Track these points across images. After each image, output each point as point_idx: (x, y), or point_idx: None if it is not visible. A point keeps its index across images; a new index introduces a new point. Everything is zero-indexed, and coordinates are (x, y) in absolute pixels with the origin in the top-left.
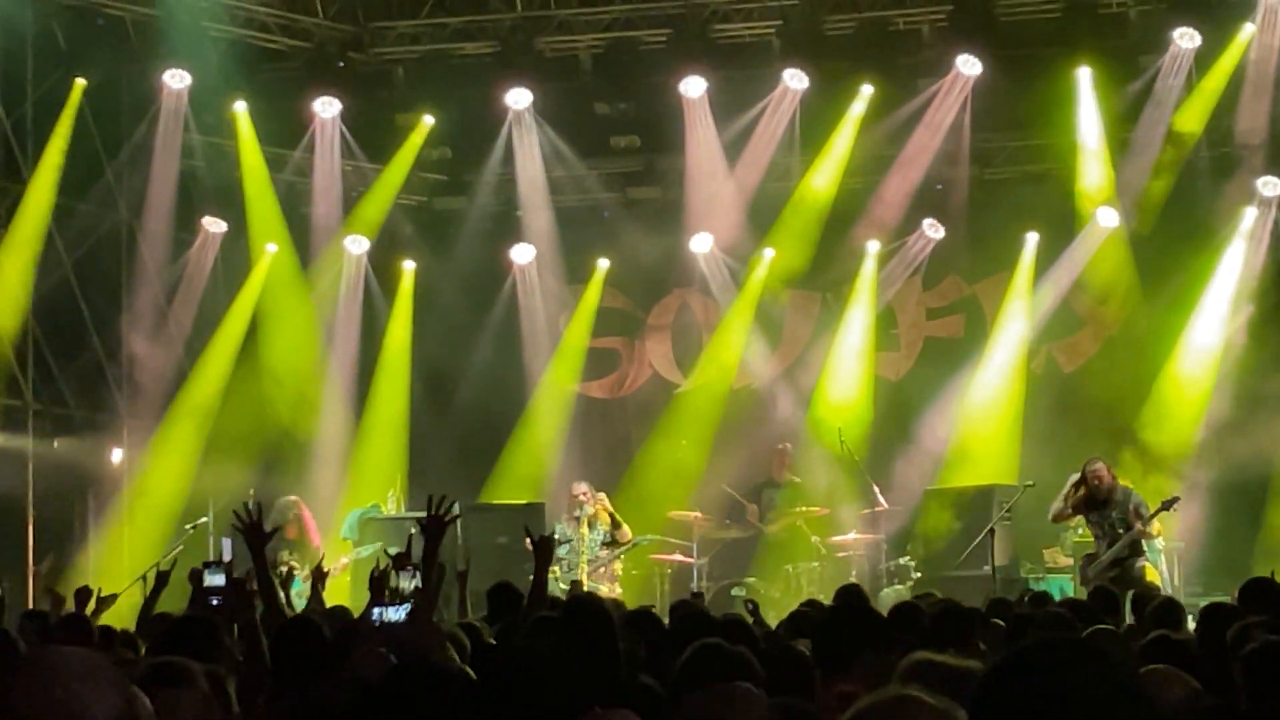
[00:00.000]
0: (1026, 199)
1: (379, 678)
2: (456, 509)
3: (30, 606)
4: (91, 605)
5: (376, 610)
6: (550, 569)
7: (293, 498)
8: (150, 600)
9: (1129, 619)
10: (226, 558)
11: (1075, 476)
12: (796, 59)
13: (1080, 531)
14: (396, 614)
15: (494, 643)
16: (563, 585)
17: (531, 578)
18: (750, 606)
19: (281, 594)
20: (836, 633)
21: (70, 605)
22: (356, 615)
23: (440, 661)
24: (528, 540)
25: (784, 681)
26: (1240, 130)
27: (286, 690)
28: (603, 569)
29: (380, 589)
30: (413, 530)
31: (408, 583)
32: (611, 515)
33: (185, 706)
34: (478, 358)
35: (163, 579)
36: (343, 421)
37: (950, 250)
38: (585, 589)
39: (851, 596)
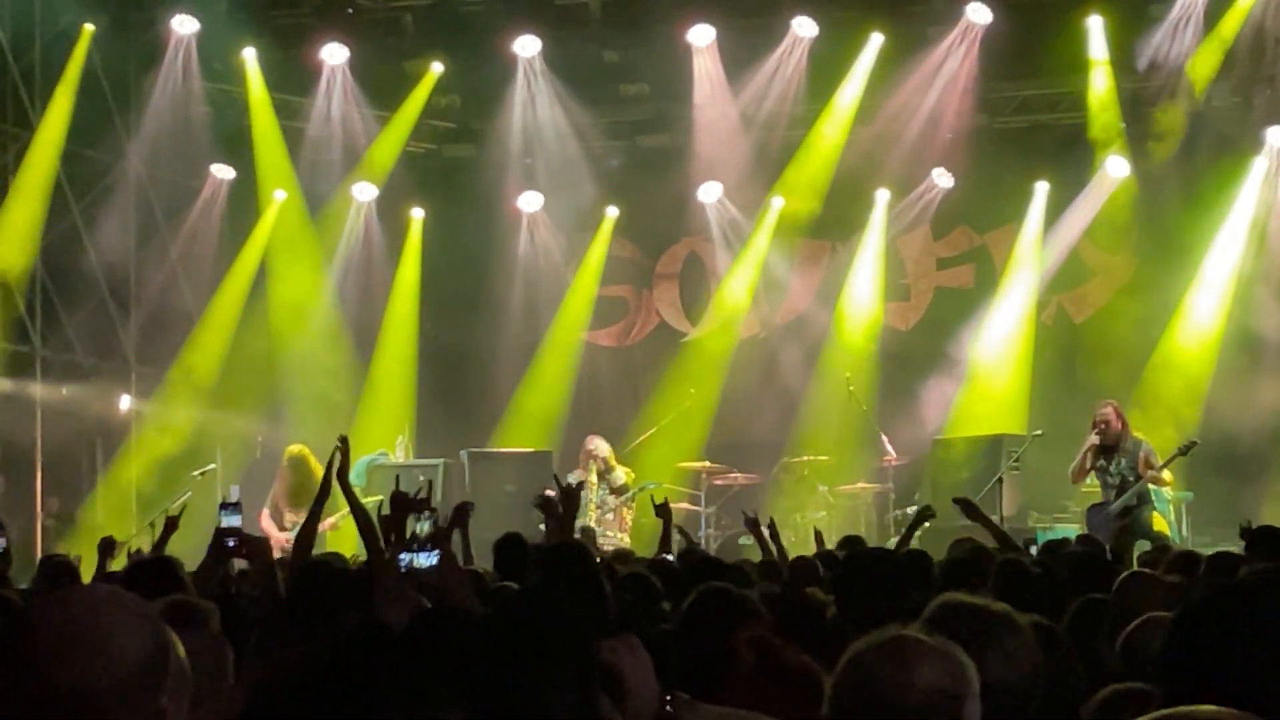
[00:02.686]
0: (1036, 148)
1: (407, 621)
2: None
3: (39, 552)
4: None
5: (404, 555)
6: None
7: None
8: (159, 546)
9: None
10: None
11: (1095, 436)
12: (806, 7)
13: (1088, 481)
14: (427, 559)
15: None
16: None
17: (541, 526)
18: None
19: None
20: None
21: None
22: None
23: (465, 607)
24: (550, 491)
25: (794, 626)
26: (1250, 79)
27: (301, 632)
28: (611, 515)
29: (397, 534)
30: (421, 477)
31: (420, 526)
32: (605, 460)
33: (196, 648)
34: (486, 305)
35: (171, 524)
36: (351, 368)
37: (960, 200)
38: (597, 536)
39: (858, 546)
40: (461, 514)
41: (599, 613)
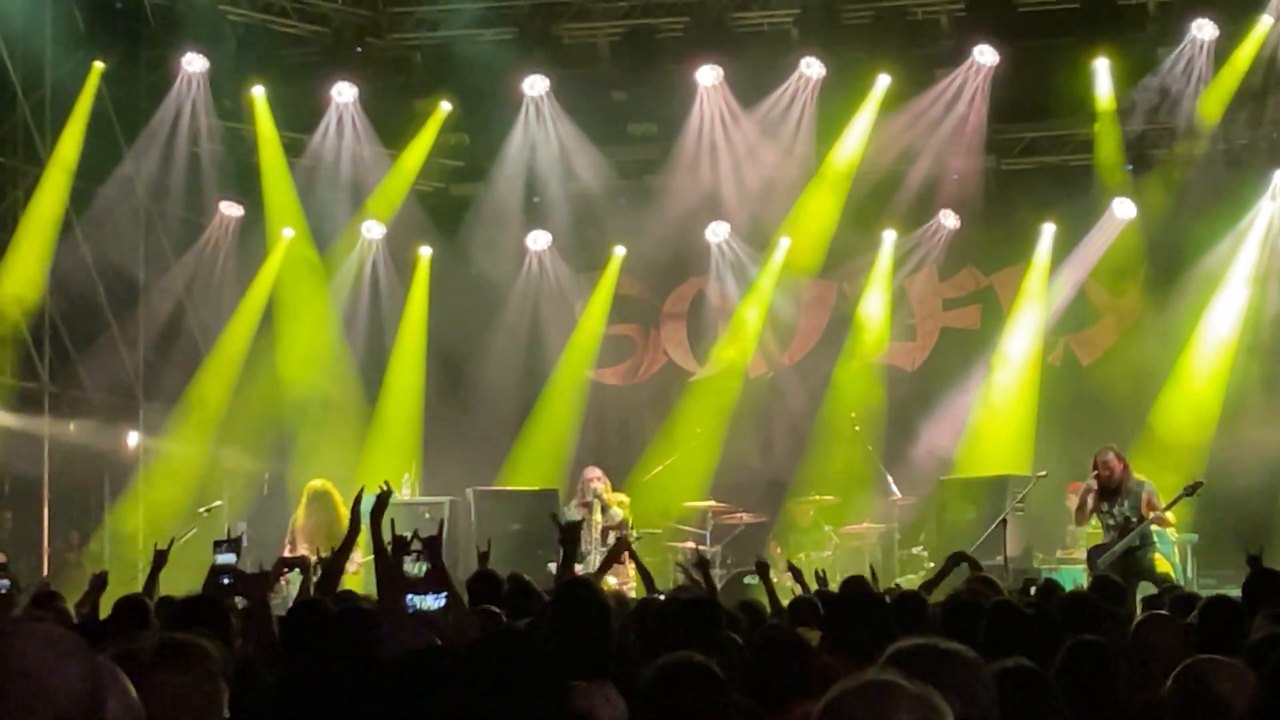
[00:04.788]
0: (1043, 190)
1: (401, 661)
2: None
3: (48, 588)
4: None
5: (412, 598)
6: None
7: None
8: (150, 581)
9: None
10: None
11: (1084, 484)
12: (814, 48)
13: (1093, 522)
14: (436, 602)
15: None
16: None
17: (551, 566)
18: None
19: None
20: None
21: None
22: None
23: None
24: (558, 528)
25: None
26: (1257, 121)
27: (299, 671)
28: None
29: (401, 577)
30: (428, 515)
31: (413, 567)
32: (601, 496)
33: (186, 686)
34: (493, 344)
35: (160, 559)
36: (358, 406)
37: (967, 241)
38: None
39: (858, 587)
40: (431, 548)
41: (598, 655)
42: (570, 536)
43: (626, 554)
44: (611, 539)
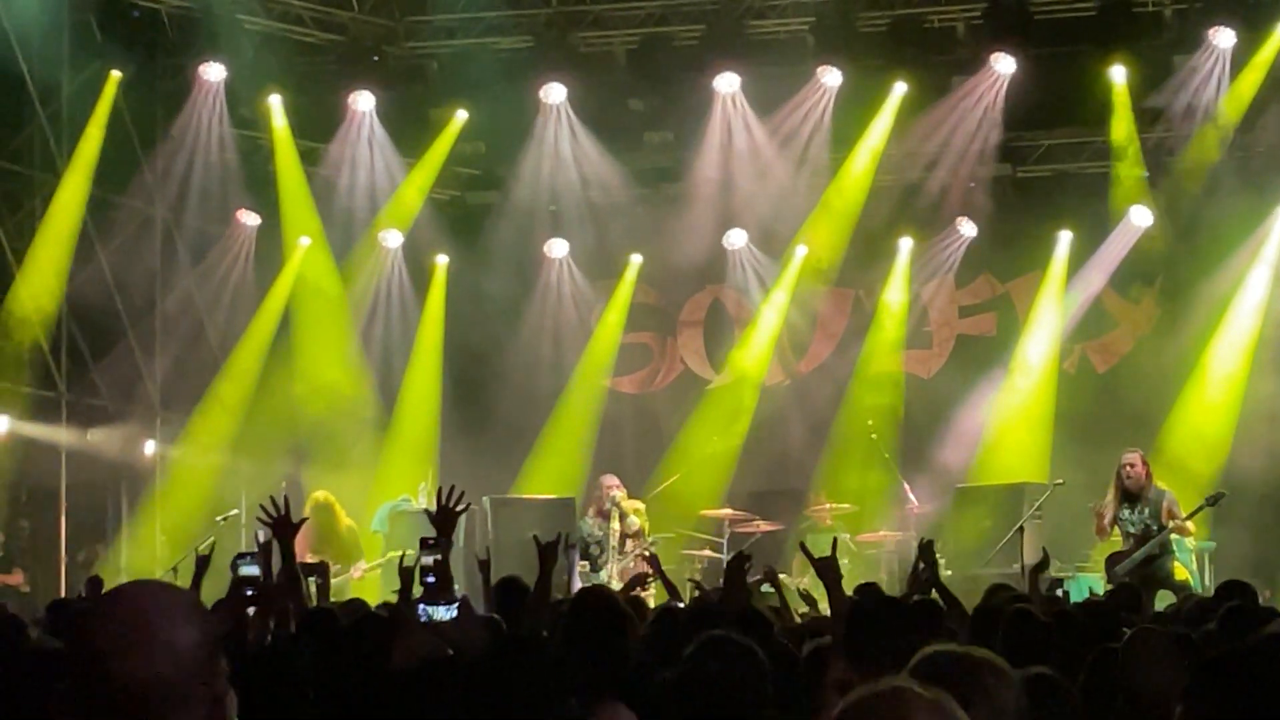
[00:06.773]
0: (1059, 197)
1: (413, 670)
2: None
3: (63, 595)
4: None
5: (423, 608)
6: (580, 566)
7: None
8: (194, 587)
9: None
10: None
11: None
12: (830, 56)
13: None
14: (448, 613)
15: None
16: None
17: (565, 576)
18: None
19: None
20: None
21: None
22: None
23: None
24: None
25: (791, 675)
26: (1275, 127)
27: (312, 679)
28: (631, 564)
29: (410, 583)
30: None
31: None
32: (619, 504)
33: None
34: (510, 352)
35: (203, 564)
36: (374, 414)
37: (983, 248)
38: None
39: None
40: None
41: (612, 667)
42: (549, 557)
43: (649, 565)
44: (629, 547)
